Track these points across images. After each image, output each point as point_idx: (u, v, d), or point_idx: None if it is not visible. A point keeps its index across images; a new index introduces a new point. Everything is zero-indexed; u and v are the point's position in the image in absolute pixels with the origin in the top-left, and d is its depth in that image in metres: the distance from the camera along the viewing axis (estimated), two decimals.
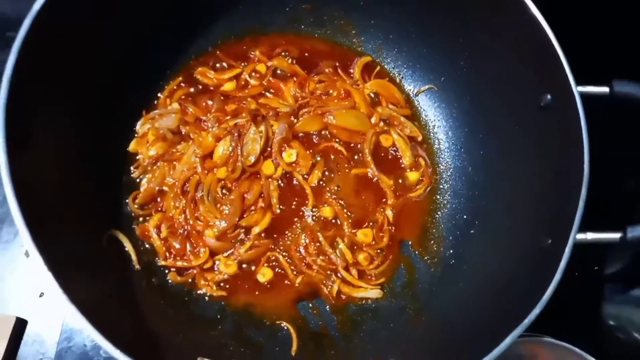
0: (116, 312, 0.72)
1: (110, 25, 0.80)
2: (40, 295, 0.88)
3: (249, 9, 0.99)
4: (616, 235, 0.71)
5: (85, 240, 0.76)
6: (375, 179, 0.96)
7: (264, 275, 0.88)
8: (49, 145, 0.71)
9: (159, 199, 0.89)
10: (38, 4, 0.66)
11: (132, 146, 0.90)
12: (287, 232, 0.90)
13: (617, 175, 0.96)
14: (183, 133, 0.92)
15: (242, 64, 0.99)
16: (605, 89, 0.75)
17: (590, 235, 0.70)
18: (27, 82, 0.65)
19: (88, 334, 0.58)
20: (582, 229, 0.69)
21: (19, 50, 0.64)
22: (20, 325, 0.86)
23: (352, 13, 1.01)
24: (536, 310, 0.65)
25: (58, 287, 0.57)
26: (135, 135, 0.91)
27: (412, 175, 0.97)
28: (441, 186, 0.99)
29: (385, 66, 1.05)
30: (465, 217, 0.95)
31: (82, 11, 0.73)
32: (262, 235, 0.89)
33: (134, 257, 0.83)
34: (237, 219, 0.87)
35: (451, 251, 0.93)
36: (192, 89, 0.96)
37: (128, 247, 0.84)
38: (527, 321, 0.64)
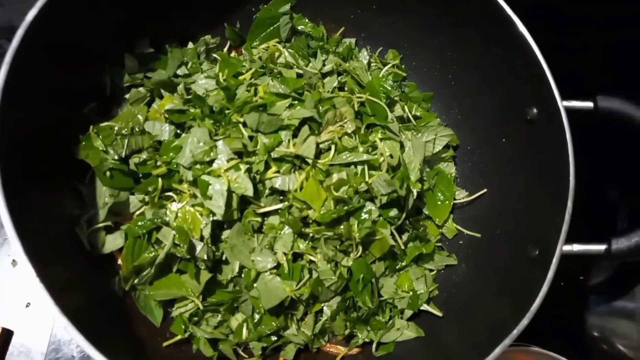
0: (105, 321, 0.72)
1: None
2: (27, 306, 0.87)
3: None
4: (601, 247, 0.73)
5: (76, 249, 0.75)
6: None
7: None
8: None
9: None
10: (31, 14, 0.66)
11: None
12: None
13: (601, 187, 0.99)
14: None
15: None
16: (589, 104, 0.78)
17: (577, 247, 0.71)
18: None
19: (77, 344, 0.58)
20: (568, 240, 0.70)
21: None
22: (6, 336, 0.85)
23: (343, 26, 1.02)
24: (524, 321, 0.66)
25: (50, 299, 0.57)
26: None
27: None
28: None
29: None
30: None
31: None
32: None
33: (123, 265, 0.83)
34: None
35: None
36: None
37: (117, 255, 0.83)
38: (515, 332, 0.66)
